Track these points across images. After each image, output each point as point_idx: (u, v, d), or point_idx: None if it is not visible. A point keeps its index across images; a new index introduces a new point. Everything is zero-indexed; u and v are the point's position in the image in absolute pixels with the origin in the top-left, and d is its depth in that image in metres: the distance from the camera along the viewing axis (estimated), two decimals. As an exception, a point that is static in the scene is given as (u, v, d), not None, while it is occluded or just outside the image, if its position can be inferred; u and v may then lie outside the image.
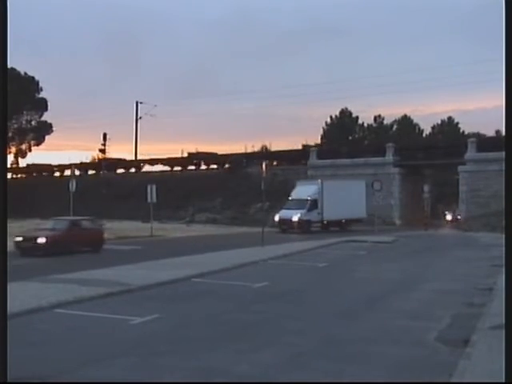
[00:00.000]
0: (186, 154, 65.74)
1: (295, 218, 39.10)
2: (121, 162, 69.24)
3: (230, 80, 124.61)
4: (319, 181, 41.59)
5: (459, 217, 50.72)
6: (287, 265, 21.14)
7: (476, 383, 7.19)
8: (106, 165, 68.86)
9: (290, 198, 41.60)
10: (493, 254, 24.94)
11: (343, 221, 41.94)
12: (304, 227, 38.56)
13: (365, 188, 43.53)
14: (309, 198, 39.98)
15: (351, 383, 7.69)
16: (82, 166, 68.10)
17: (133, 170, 67.26)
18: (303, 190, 41.35)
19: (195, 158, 63.37)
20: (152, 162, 67.44)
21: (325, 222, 40.53)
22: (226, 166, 60.41)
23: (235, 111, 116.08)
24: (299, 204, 39.83)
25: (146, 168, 66.96)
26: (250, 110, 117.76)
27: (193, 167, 62.86)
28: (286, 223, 39.27)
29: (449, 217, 52.01)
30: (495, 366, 7.53)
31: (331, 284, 16.95)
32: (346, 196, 40.53)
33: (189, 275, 16.92)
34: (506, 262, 7.02)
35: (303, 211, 39.35)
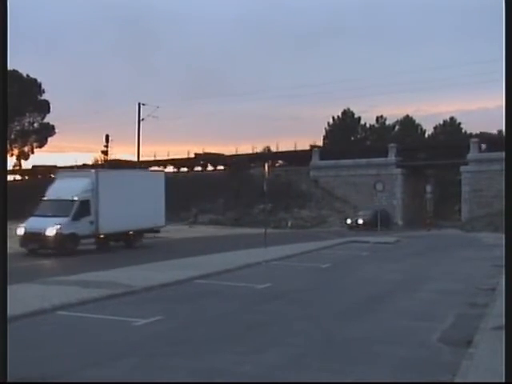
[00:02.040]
0: (192, 155, 66.01)
1: (51, 231, 24.25)
2: (127, 164, 69.23)
3: (232, 81, 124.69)
4: (93, 171, 27.66)
5: (361, 221, 45.81)
6: (290, 266, 21.15)
7: (476, 383, 7.20)
8: (109, 167, 68.83)
9: (43, 198, 26.47)
10: (495, 254, 24.91)
11: (131, 233, 27.88)
12: (66, 245, 24.34)
13: (164, 183, 30.50)
14: (76, 199, 25.38)
15: (352, 383, 7.70)
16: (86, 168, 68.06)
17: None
18: (66, 186, 26.13)
19: (202, 159, 63.50)
20: (159, 163, 67.59)
21: (102, 236, 26.18)
22: (228, 167, 60.56)
23: (238, 112, 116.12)
24: (59, 208, 25.17)
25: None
26: (254, 111, 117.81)
27: (199, 168, 63.18)
28: (35, 239, 24.31)
29: (348, 221, 46.56)
30: (498, 366, 7.53)
31: (334, 285, 16.95)
32: (135, 196, 27.27)
33: (192, 276, 16.94)
34: (506, 262, 7.02)
35: (65, 220, 24.77)
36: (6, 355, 5.97)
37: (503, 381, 6.11)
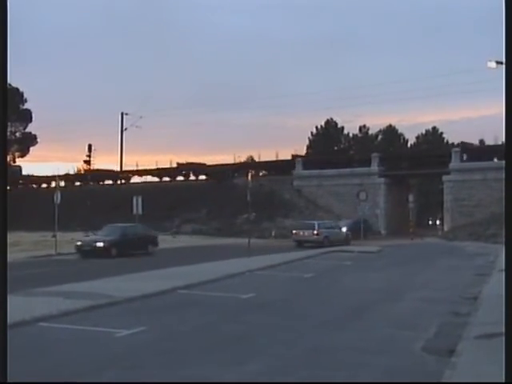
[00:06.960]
0: (174, 165, 65.53)
1: None
2: (108, 174, 68.75)
3: (217, 90, 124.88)
4: None
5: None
6: (274, 275, 21.12)
7: (476, 383, 7.22)
8: (92, 176, 68.51)
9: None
10: (478, 263, 25.12)
11: None
12: None
13: None
14: None
15: (349, 383, 7.69)
16: (68, 178, 67.46)
17: (120, 181, 66.84)
18: None
19: (184, 168, 63.08)
20: (140, 172, 67.18)
21: None
22: (211, 177, 60.30)
23: (223, 122, 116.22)
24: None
25: (135, 179, 66.66)
26: (238, 121, 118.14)
27: (181, 178, 62.65)
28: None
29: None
30: (481, 375, 7.57)
31: (318, 294, 16.94)
32: None
33: (175, 287, 16.82)
34: (506, 263, 7.05)
35: None
36: (5, 355, 5.87)
37: (503, 381, 6.13)
